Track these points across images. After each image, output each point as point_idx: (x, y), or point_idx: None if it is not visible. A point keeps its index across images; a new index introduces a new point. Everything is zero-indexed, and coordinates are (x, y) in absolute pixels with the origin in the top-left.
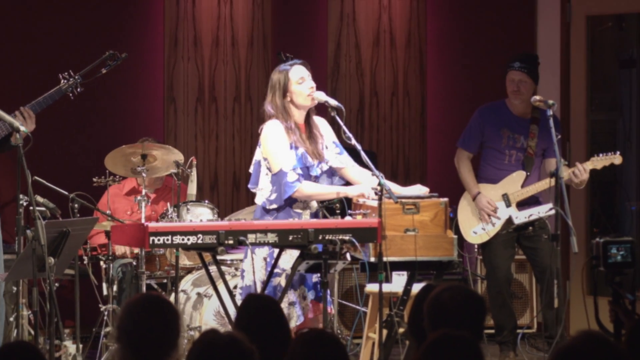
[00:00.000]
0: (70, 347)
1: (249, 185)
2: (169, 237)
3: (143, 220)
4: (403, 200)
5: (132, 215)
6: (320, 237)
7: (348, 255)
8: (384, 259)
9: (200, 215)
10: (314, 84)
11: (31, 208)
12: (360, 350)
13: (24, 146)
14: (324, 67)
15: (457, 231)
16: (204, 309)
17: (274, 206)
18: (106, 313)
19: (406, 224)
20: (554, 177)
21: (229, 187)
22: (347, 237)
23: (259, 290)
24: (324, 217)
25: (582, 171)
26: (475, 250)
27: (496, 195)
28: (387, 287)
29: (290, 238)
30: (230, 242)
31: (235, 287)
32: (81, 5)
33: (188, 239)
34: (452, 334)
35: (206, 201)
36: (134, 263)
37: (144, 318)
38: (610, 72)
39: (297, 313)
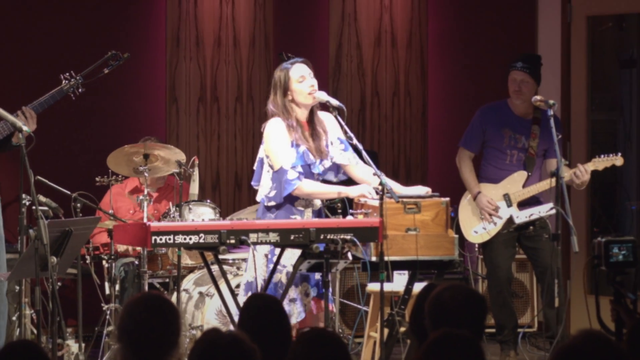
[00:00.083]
0: (73, 346)
1: (252, 183)
2: (171, 237)
3: (145, 220)
4: (404, 199)
5: (135, 214)
6: (321, 237)
7: (349, 255)
8: (385, 258)
9: (202, 214)
10: (314, 82)
11: (34, 208)
12: (361, 349)
13: (26, 146)
14: (325, 67)
15: (458, 230)
16: (205, 308)
17: (272, 203)
18: (108, 312)
19: (407, 223)
20: (555, 177)
21: (230, 187)
22: (348, 237)
23: (259, 285)
24: (326, 216)
25: (583, 172)
26: (476, 249)
27: (497, 195)
28: (388, 287)
29: (292, 237)
30: (232, 241)
31: (237, 286)
32: (83, 5)
33: (190, 239)
34: (453, 333)
35: (208, 201)
36: (136, 262)
37: (145, 318)
38: (610, 72)
39: (297, 310)
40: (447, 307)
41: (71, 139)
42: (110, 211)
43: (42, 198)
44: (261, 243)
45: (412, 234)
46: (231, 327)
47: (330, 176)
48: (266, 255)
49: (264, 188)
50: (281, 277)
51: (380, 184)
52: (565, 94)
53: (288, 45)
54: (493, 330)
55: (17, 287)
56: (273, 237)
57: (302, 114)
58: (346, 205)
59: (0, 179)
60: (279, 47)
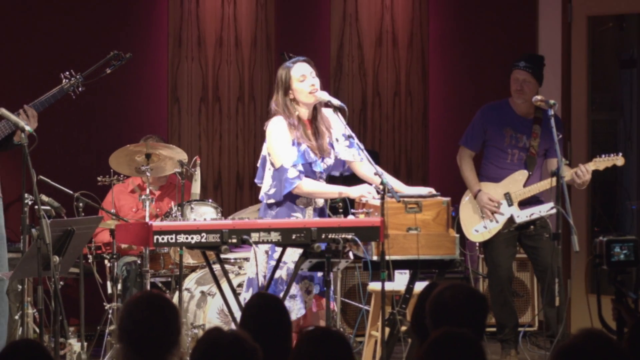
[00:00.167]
0: (75, 345)
1: (256, 180)
2: (173, 236)
3: (147, 220)
4: (405, 199)
5: (137, 213)
6: (323, 236)
7: (351, 254)
8: (387, 257)
9: (204, 214)
10: (316, 82)
11: (36, 207)
12: (362, 348)
13: (29, 145)
14: (326, 67)
15: (459, 229)
16: (207, 307)
17: (272, 201)
18: (111, 311)
19: (408, 222)
20: (555, 176)
21: (232, 187)
22: (349, 236)
23: (260, 282)
24: (328, 215)
25: (584, 172)
26: (477, 248)
27: (498, 194)
28: (389, 286)
29: (294, 237)
30: (234, 240)
31: (238, 285)
32: (85, 5)
33: (192, 238)
34: (454, 332)
35: (210, 200)
36: (138, 262)
37: (144, 317)
38: (611, 72)
39: (298, 306)
40: (448, 307)
41: (73, 138)
42: (113, 210)
43: (44, 197)
44: (263, 242)
45: (413, 233)
46: (233, 326)
47: (335, 172)
48: (266, 252)
49: (264, 186)
50: (281, 273)
51: (382, 183)
52: (565, 94)
53: (289, 45)
54: (494, 329)
55: (20, 287)
56: (275, 236)
57: (304, 113)
58: (347, 205)
59: (3, 179)
60: (281, 47)
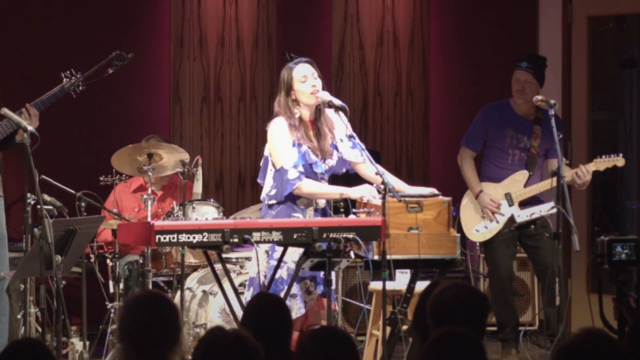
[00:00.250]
0: (77, 344)
1: (258, 180)
2: (175, 236)
3: (149, 219)
4: (406, 199)
5: (140, 212)
6: (324, 235)
7: (352, 253)
8: (388, 257)
9: (206, 213)
10: (317, 82)
11: (38, 207)
12: (364, 347)
13: (31, 145)
14: (328, 67)
15: (460, 229)
16: (209, 306)
17: (273, 201)
18: (113, 310)
19: (409, 222)
20: (556, 176)
21: (234, 186)
22: (351, 236)
23: (261, 281)
24: (329, 215)
25: (585, 173)
26: (478, 248)
27: (499, 194)
28: (390, 285)
29: (295, 236)
30: (235, 240)
31: (240, 284)
32: (87, 5)
33: (194, 237)
34: (455, 331)
35: (211, 200)
36: (140, 261)
37: (143, 316)
38: (611, 72)
39: (298, 305)
40: (448, 306)
41: (76, 138)
42: (115, 210)
43: (46, 197)
44: (264, 242)
45: (414, 232)
46: (234, 325)
47: (339, 170)
48: (267, 252)
49: (266, 187)
50: (282, 273)
51: (383, 183)
52: (566, 94)
53: (291, 45)
54: (494, 328)
55: (22, 286)
56: (276, 235)
57: (306, 114)
58: (349, 204)
59: (6, 178)
60: (282, 48)
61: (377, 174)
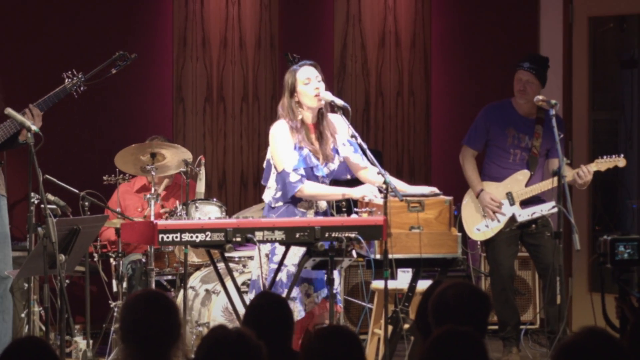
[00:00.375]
0: (81, 342)
1: (262, 181)
2: (178, 235)
3: (152, 218)
4: (408, 198)
5: (143, 212)
6: (326, 235)
7: (354, 253)
8: (389, 256)
9: (209, 213)
10: (321, 85)
11: (42, 206)
12: (366, 346)
13: (35, 144)
14: (330, 67)
15: (461, 228)
16: (212, 305)
17: (280, 204)
18: (116, 309)
19: (411, 221)
20: (556, 175)
21: (236, 186)
22: (353, 235)
23: (261, 284)
24: (331, 215)
25: (586, 173)
26: (479, 247)
27: (500, 193)
28: (392, 284)
29: (297, 235)
30: (238, 239)
31: (243, 283)
32: (90, 6)
33: (196, 237)
34: (456, 330)
35: (214, 199)
36: (144, 260)
37: (143, 315)
38: (611, 72)
39: (298, 308)
40: (450, 305)
41: (79, 138)
42: (118, 209)
43: (50, 196)
44: (267, 241)
45: (415, 232)
46: (237, 324)
47: (344, 176)
48: (267, 255)
49: (271, 189)
50: (281, 276)
51: (384, 182)
52: (567, 94)
53: (293, 46)
54: (496, 327)
55: (26, 285)
56: (279, 235)
57: (308, 116)
58: (351, 204)
59: (9, 178)
60: (285, 48)
61: (378, 173)
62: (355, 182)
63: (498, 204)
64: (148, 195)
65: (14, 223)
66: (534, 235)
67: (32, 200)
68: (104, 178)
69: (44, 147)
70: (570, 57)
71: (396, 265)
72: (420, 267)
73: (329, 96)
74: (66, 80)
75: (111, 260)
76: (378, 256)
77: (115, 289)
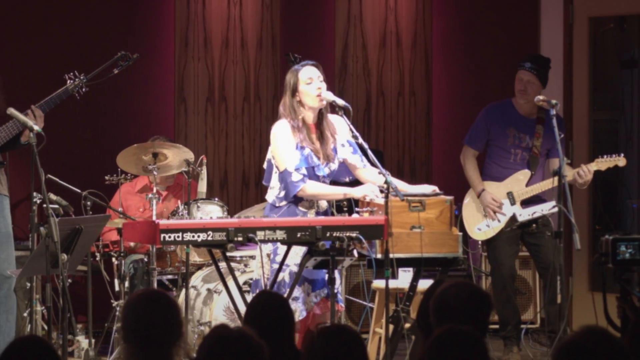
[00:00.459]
0: (83, 342)
1: (264, 182)
2: (180, 234)
3: (154, 218)
4: (409, 198)
5: (144, 212)
6: (327, 234)
7: (355, 252)
8: (391, 255)
9: (210, 212)
10: (322, 85)
11: (44, 206)
12: (367, 345)
13: (37, 145)
14: (331, 68)
15: (462, 228)
16: (214, 304)
17: (284, 203)
18: (118, 309)
19: (412, 221)
20: (557, 175)
21: (238, 185)
22: (354, 234)
23: (263, 284)
24: (332, 214)
25: (586, 172)
26: (480, 246)
27: (501, 193)
28: (393, 283)
29: (299, 235)
30: (240, 239)
31: (244, 282)
32: (92, 6)
33: (198, 236)
34: (457, 329)
35: (216, 199)
36: (145, 259)
37: (144, 314)
38: (612, 72)
39: (299, 308)
40: (451, 304)
41: (81, 138)
42: (120, 209)
43: (52, 196)
44: (268, 241)
45: (416, 231)
46: (239, 323)
47: (344, 178)
48: (268, 255)
49: (275, 190)
50: (284, 275)
51: (385, 182)
52: (567, 94)
53: (295, 46)
54: (496, 326)
55: (28, 284)
56: (280, 234)
57: (309, 116)
58: (352, 204)
59: (12, 178)
60: (286, 48)
61: (380, 173)
62: (355, 183)
63: (499, 204)
64: (150, 195)
65: (16, 223)
66: (534, 234)
67: (35, 200)
68: (106, 178)
69: (46, 147)
70: (571, 57)
71: (397, 264)
72: (421, 266)
73: (330, 96)
74: (68, 81)
75: (113, 259)
76: (379, 255)
77: (117, 288)
